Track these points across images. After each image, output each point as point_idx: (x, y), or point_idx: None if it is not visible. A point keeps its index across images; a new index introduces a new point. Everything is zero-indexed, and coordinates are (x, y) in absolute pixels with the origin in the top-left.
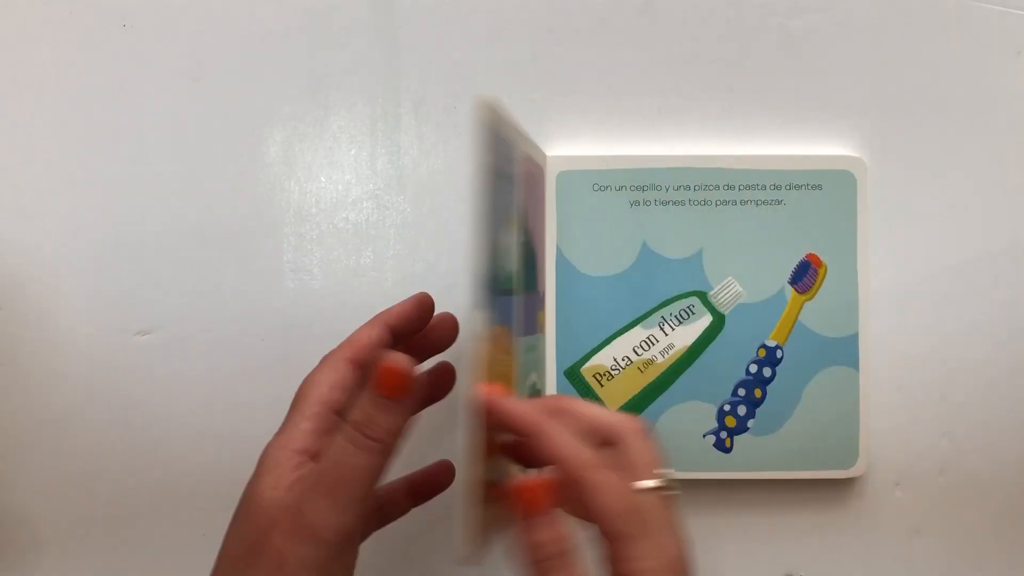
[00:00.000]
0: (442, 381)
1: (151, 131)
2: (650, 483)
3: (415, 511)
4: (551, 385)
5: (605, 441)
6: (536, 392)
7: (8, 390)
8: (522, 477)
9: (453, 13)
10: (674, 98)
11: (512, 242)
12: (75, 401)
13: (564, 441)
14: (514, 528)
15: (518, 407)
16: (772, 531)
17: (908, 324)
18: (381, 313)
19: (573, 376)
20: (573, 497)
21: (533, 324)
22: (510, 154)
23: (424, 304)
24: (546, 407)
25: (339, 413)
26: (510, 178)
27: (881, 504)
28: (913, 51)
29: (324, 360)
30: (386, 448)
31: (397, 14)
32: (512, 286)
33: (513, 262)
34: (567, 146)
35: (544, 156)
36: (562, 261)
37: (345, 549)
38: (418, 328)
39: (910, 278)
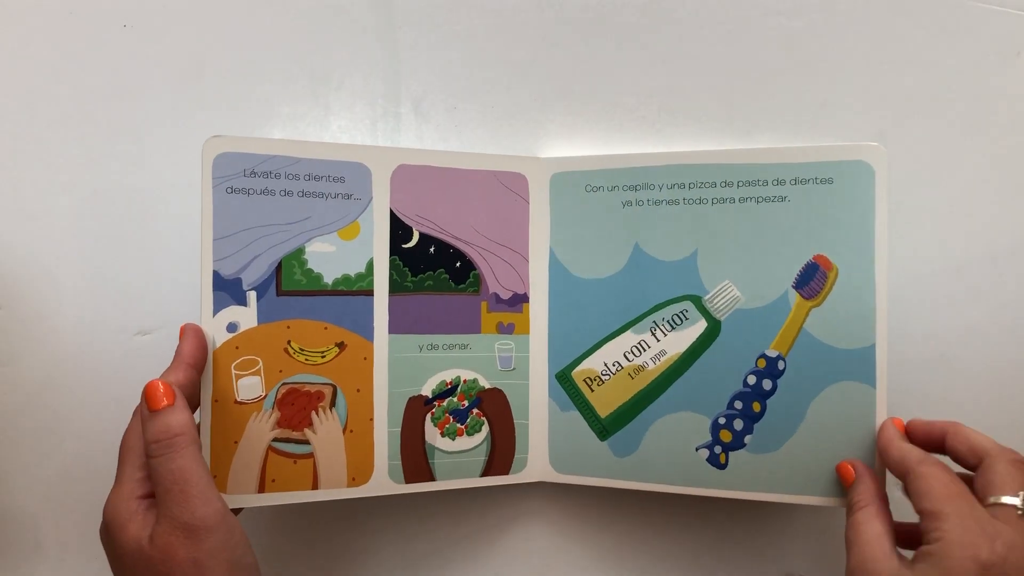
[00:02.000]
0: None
1: (151, 131)
2: (1006, 499)
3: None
4: (542, 388)
5: (977, 460)
6: (448, 390)
7: (8, 390)
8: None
9: (453, 14)
10: (674, 98)
11: (340, 248)
12: (75, 401)
13: (906, 446)
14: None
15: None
16: (772, 531)
17: (906, 326)
18: (176, 356)
19: (564, 380)
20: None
21: (453, 324)
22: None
23: (199, 333)
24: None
25: None
26: (296, 194)
27: None
28: (913, 51)
29: (137, 412)
30: (188, 438)
31: (397, 14)
32: (355, 287)
33: (355, 265)
34: (567, 147)
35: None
36: (555, 263)
37: (232, 533)
38: (205, 356)
39: (909, 279)
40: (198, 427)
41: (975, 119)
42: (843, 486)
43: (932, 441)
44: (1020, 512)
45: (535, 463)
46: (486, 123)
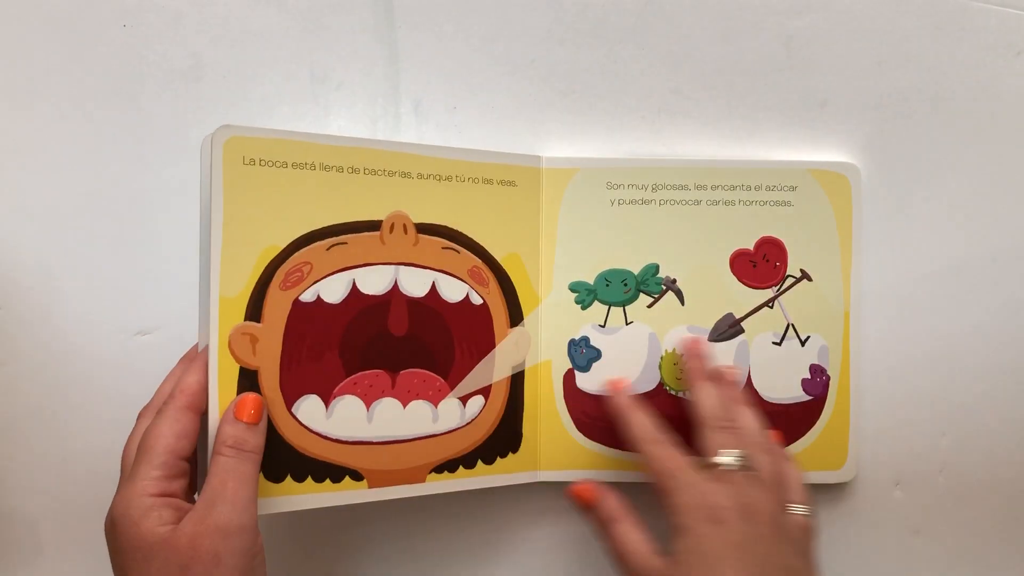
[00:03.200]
0: None
1: (151, 131)
2: (713, 459)
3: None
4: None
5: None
6: None
7: (8, 390)
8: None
9: (452, 14)
10: (674, 98)
11: None
12: (75, 401)
13: (638, 422)
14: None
15: (618, 397)
16: None
17: (906, 327)
18: (198, 355)
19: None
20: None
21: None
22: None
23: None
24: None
25: (184, 459)
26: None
27: (880, 504)
28: (913, 51)
29: (162, 412)
30: (259, 457)
31: (397, 14)
32: None
33: None
34: (567, 147)
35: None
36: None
37: (256, 542)
38: None
39: (910, 279)
40: None
41: (975, 119)
42: (581, 508)
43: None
44: (729, 467)
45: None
46: (486, 123)
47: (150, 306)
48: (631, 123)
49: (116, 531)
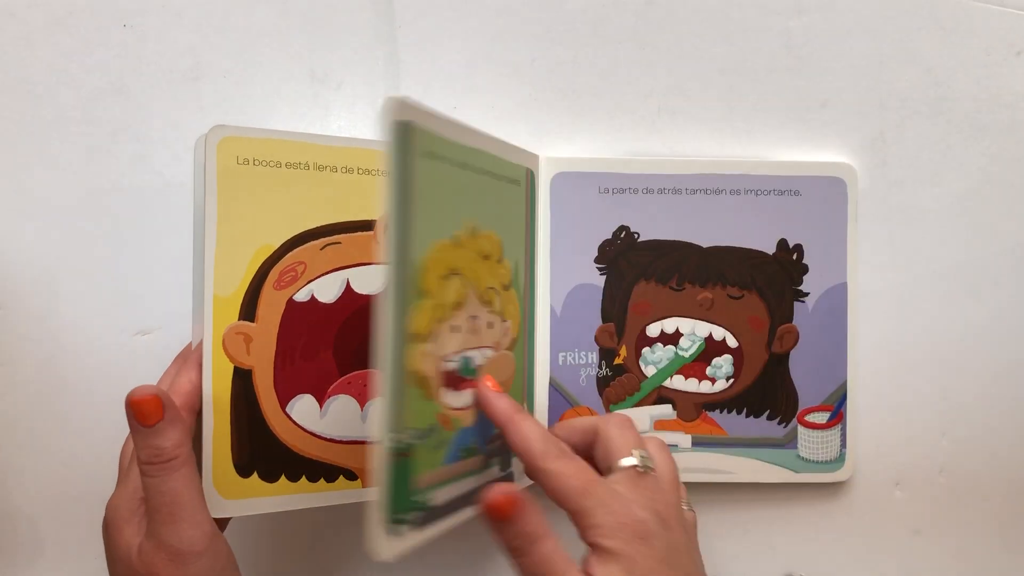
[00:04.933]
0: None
1: (151, 131)
2: (624, 461)
3: None
4: (542, 387)
5: (592, 439)
6: None
7: (8, 390)
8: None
9: (453, 14)
10: (674, 98)
11: None
12: (75, 401)
13: (528, 433)
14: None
15: (499, 400)
16: (772, 531)
17: (906, 326)
18: (191, 354)
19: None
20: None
21: None
22: None
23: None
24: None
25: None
26: None
27: (881, 504)
28: (913, 51)
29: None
30: (181, 460)
31: (397, 14)
32: None
33: None
34: (566, 147)
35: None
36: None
37: (217, 561)
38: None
39: (910, 279)
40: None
41: (975, 119)
42: (493, 520)
43: (579, 444)
44: (640, 469)
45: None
46: (486, 123)
47: (150, 306)
48: (631, 123)
49: (107, 532)
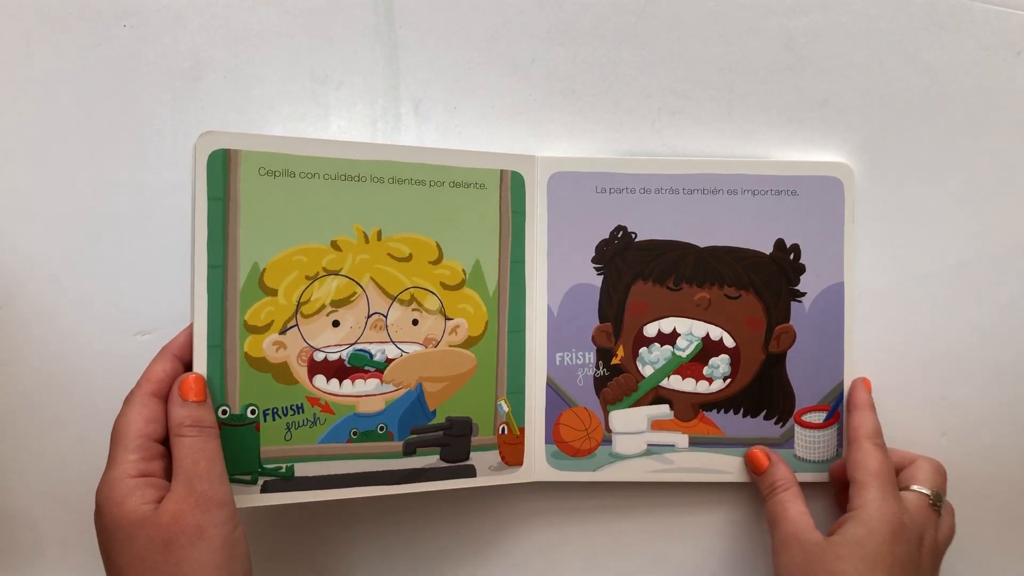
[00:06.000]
0: None
1: (151, 131)
2: (919, 488)
3: None
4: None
5: (908, 463)
6: None
7: (8, 390)
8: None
9: (453, 14)
10: (674, 98)
11: None
12: (75, 401)
13: (873, 420)
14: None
15: (862, 391)
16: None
17: (906, 326)
18: (167, 345)
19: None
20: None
21: None
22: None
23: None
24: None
25: (158, 441)
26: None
27: None
28: (913, 51)
29: (129, 400)
30: (218, 433)
31: (397, 14)
32: None
33: None
34: (565, 147)
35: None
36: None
37: (234, 514)
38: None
39: (909, 279)
40: None
41: (975, 119)
42: (753, 471)
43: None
44: (930, 501)
45: (534, 463)
46: (486, 123)
47: (150, 306)
48: (631, 123)
49: (101, 513)
